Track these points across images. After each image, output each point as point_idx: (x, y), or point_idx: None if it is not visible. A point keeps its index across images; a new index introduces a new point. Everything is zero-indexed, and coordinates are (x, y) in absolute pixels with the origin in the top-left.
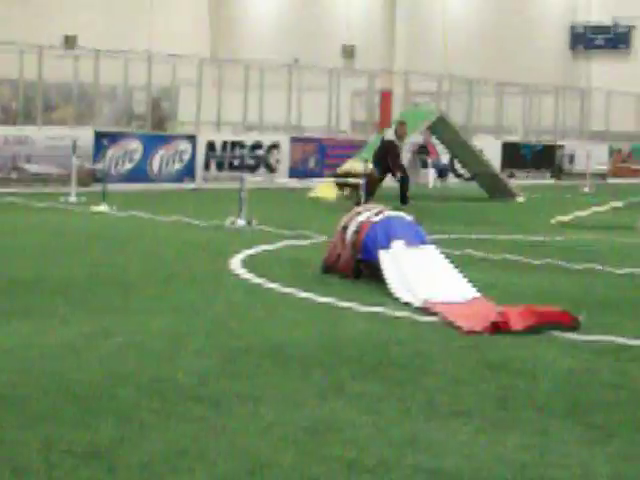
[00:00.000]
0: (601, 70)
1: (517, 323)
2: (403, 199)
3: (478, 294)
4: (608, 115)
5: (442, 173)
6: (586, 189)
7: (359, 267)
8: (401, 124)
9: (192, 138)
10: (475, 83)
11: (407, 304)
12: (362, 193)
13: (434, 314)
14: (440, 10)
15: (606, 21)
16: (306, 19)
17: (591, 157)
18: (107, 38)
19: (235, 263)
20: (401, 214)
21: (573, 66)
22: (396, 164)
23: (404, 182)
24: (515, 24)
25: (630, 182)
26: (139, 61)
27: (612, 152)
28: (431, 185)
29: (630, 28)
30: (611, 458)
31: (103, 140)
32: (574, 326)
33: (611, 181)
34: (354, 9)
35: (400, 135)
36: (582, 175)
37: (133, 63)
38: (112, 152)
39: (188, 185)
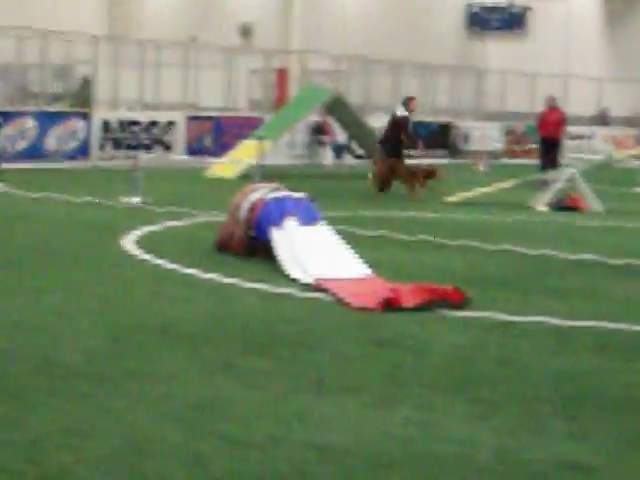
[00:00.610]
0: (496, 51)
1: (408, 300)
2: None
3: (369, 272)
4: (503, 95)
5: (339, 152)
6: (481, 168)
7: (252, 245)
8: (410, 99)
9: (87, 116)
10: (371, 63)
11: (298, 281)
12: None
13: (325, 291)
14: None
15: (501, 2)
16: None
17: (486, 137)
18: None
19: (128, 241)
20: (295, 193)
21: (469, 46)
22: (410, 138)
23: None
24: (412, 3)
25: (523, 162)
26: (34, 39)
27: (507, 132)
28: (328, 164)
29: (525, 9)
30: (496, 432)
31: None
32: (463, 303)
33: (505, 161)
34: None
35: (412, 110)
36: (477, 154)
37: (28, 41)
38: (6, 130)
39: (84, 163)
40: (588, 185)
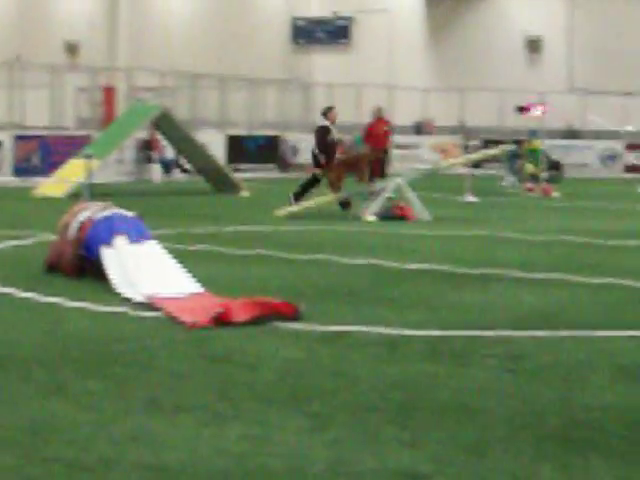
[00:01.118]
0: (322, 63)
1: (239, 315)
2: (301, 193)
3: (201, 288)
4: None
5: (168, 168)
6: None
7: (82, 264)
8: (329, 109)
9: None
10: (199, 78)
11: (130, 300)
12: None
13: (157, 309)
14: (162, 6)
15: (327, 14)
16: (27, 15)
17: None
18: None
19: None
20: (124, 211)
21: (295, 59)
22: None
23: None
24: (237, 18)
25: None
26: None
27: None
28: (157, 180)
29: (350, 21)
30: (329, 444)
31: None
32: (295, 316)
33: None
34: (76, 4)
35: (331, 119)
36: (306, 167)
37: None
38: None
39: None
40: (415, 194)
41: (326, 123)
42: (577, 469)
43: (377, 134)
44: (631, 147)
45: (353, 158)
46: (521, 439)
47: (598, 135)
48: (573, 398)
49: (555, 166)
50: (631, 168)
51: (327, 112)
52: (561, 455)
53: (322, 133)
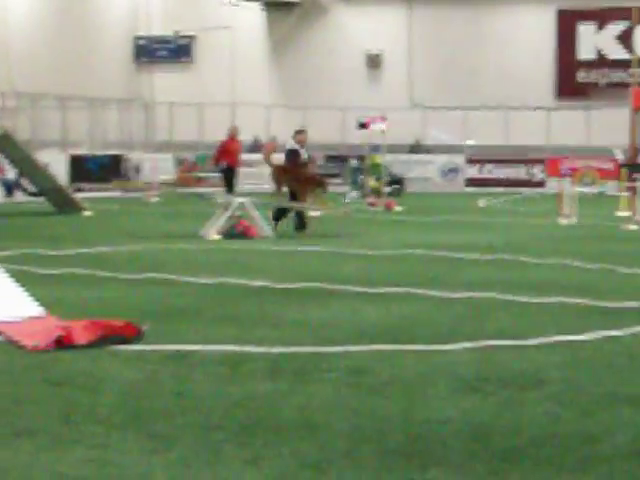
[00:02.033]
0: (164, 81)
1: (81, 337)
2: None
3: (42, 310)
4: (172, 126)
5: (9, 189)
6: (153, 199)
7: None
8: (298, 132)
9: None
10: (39, 98)
11: None
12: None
13: None
14: (1, 25)
15: (168, 33)
16: None
17: (157, 168)
18: None
19: None
20: None
21: (137, 78)
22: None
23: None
24: (78, 37)
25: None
26: None
27: (178, 162)
28: None
29: (191, 39)
30: (171, 465)
31: None
32: (138, 337)
33: (180, 190)
34: None
35: (299, 141)
36: (149, 185)
37: None
38: None
39: None
40: (260, 212)
41: (295, 146)
42: None
43: (231, 151)
44: (472, 161)
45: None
46: (363, 454)
47: (439, 150)
48: (414, 412)
49: (397, 180)
50: (471, 182)
51: (296, 135)
52: (402, 469)
53: (291, 156)
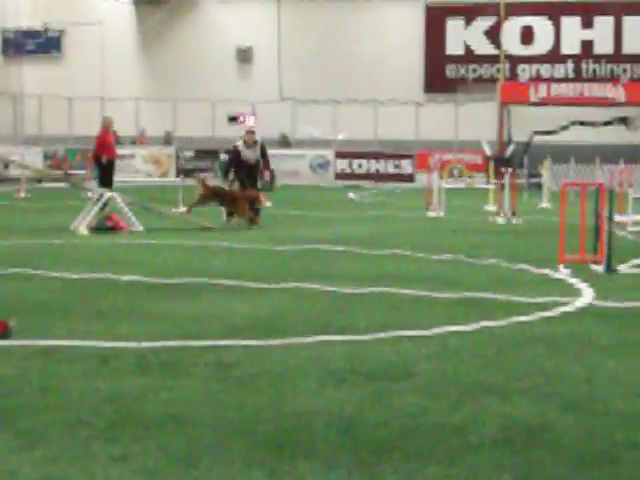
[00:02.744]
0: (34, 75)
1: None
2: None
3: None
4: (41, 119)
5: None
6: (22, 194)
7: None
8: (248, 132)
9: None
10: None
11: None
12: None
13: None
14: None
15: (37, 26)
16: None
17: (26, 162)
18: None
19: None
20: None
21: (5, 71)
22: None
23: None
24: None
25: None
26: None
27: (47, 156)
28: None
29: (60, 33)
30: (38, 462)
31: None
32: (5, 333)
33: (47, 185)
34: None
35: (245, 141)
36: (17, 180)
37: None
38: None
39: None
40: (130, 206)
41: (240, 147)
42: (286, 475)
43: (108, 144)
44: (341, 155)
45: (230, 194)
46: (232, 447)
47: (309, 144)
48: (283, 404)
49: None
50: (341, 176)
51: (246, 134)
52: (271, 461)
53: (232, 155)
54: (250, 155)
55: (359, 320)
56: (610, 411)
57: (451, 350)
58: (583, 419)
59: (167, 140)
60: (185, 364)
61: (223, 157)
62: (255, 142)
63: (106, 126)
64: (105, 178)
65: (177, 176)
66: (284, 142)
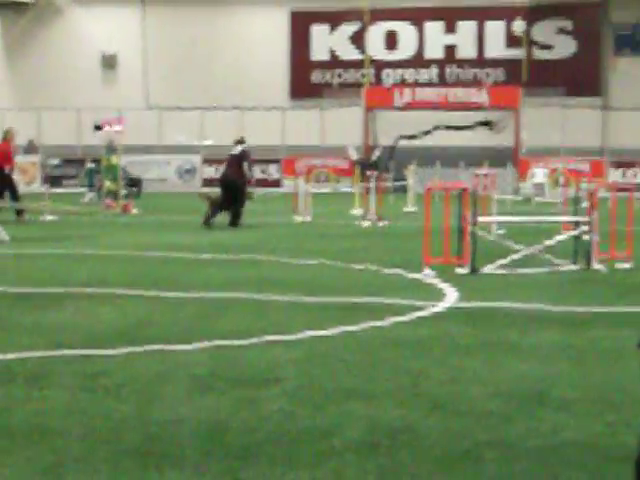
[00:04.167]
0: None
1: None
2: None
3: None
4: None
5: None
6: None
7: None
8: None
9: None
10: None
11: None
12: None
13: None
14: None
15: None
16: None
17: None
18: None
19: None
20: None
21: None
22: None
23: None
24: None
25: None
26: None
27: None
28: None
29: None
30: None
31: None
32: None
33: None
34: None
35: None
36: None
37: None
38: None
39: None
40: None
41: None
42: None
43: (6, 154)
44: (208, 161)
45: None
46: (98, 457)
47: (176, 150)
48: (150, 413)
49: (134, 182)
50: (209, 182)
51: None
52: (137, 470)
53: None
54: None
55: (225, 326)
56: (473, 411)
57: (317, 354)
58: (447, 420)
59: (30, 148)
60: (51, 374)
61: (89, 165)
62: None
63: (9, 138)
64: (5, 189)
65: (43, 184)
66: (31, 147)
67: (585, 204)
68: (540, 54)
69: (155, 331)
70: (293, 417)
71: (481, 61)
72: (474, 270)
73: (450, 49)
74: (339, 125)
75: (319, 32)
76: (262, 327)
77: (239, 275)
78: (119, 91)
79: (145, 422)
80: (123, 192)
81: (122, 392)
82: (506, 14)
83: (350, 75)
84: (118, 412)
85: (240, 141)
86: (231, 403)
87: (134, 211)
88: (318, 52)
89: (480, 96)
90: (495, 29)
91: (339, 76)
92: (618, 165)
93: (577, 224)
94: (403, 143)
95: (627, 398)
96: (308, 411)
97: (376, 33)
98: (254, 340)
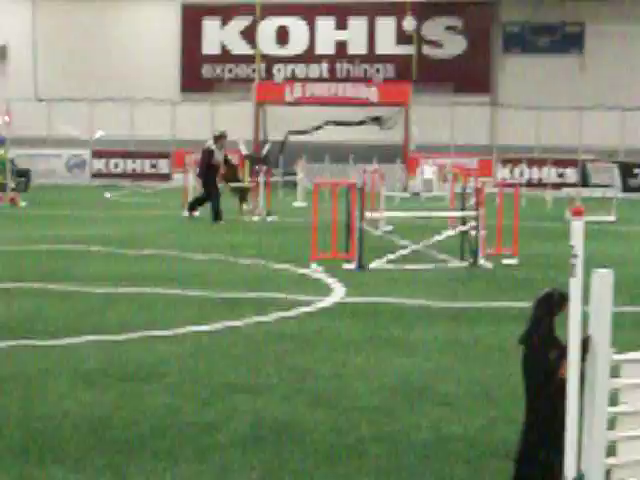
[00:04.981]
0: None
1: None
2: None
3: None
4: None
5: None
6: None
7: None
8: (222, 136)
9: None
10: None
11: None
12: None
13: None
14: None
15: None
16: None
17: None
18: None
19: None
20: None
21: None
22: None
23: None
24: None
25: None
26: None
27: None
28: None
29: None
30: None
31: None
32: None
33: None
34: None
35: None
36: None
37: None
38: None
39: None
40: None
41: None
42: (35, 479)
43: None
44: (98, 154)
45: None
46: None
47: (65, 143)
48: (33, 407)
49: (22, 174)
50: (98, 175)
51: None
52: (19, 466)
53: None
54: (219, 157)
55: (112, 321)
56: (357, 406)
57: (203, 349)
58: (331, 414)
59: None
60: None
61: None
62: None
63: None
64: None
65: None
66: (38, 141)
67: (472, 200)
68: (430, 51)
69: (41, 325)
70: (178, 411)
71: (372, 57)
72: (361, 266)
73: (341, 45)
74: (229, 120)
75: (210, 26)
76: (147, 321)
77: (128, 269)
78: (8, 82)
79: (27, 417)
80: (11, 185)
81: (5, 387)
82: (397, 11)
83: (241, 70)
84: (1, 408)
85: (217, 136)
86: (115, 398)
87: (22, 204)
88: (209, 46)
89: (370, 92)
90: (386, 26)
91: (230, 71)
92: (505, 162)
93: (464, 220)
94: (293, 138)
95: (509, 393)
96: (193, 406)
97: (267, 28)
98: (139, 334)
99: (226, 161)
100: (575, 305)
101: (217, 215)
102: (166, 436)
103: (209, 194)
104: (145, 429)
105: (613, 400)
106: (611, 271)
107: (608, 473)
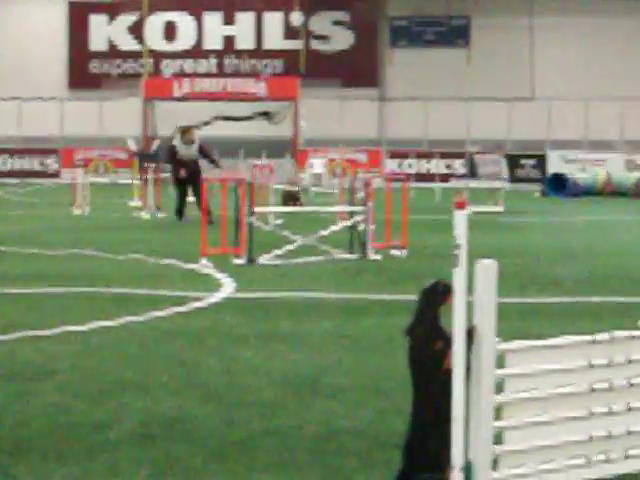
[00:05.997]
0: None
1: None
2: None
3: None
4: None
5: None
6: None
7: None
8: (190, 130)
9: None
10: None
11: None
12: None
13: None
14: None
15: None
16: None
17: None
18: None
19: None
20: None
21: None
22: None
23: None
24: None
25: None
26: None
27: None
28: None
29: None
30: None
31: None
32: None
33: None
34: None
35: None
36: None
37: None
38: None
39: None
40: None
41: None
42: None
43: None
44: None
45: None
46: None
47: None
48: None
49: None
50: None
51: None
52: None
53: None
54: (185, 152)
55: None
56: (248, 401)
57: (93, 347)
58: (221, 410)
59: None
60: None
61: None
62: (193, 141)
63: None
64: None
65: None
66: None
67: (361, 194)
68: (318, 46)
69: None
70: (67, 411)
71: (260, 52)
72: (251, 260)
73: (229, 40)
74: (118, 116)
75: (97, 22)
76: (35, 320)
77: (13, 268)
78: None
79: None
80: None
81: None
82: (284, 6)
83: (129, 65)
84: None
85: (183, 130)
86: (2, 397)
87: None
88: (97, 42)
89: (259, 87)
90: (273, 20)
91: (118, 67)
92: (394, 155)
93: (352, 214)
94: None
95: (397, 385)
96: (82, 404)
97: (155, 24)
98: (27, 333)
99: None
100: (459, 296)
101: (179, 212)
102: (54, 435)
103: (194, 192)
104: (33, 429)
105: (499, 389)
106: (495, 261)
107: (495, 461)
